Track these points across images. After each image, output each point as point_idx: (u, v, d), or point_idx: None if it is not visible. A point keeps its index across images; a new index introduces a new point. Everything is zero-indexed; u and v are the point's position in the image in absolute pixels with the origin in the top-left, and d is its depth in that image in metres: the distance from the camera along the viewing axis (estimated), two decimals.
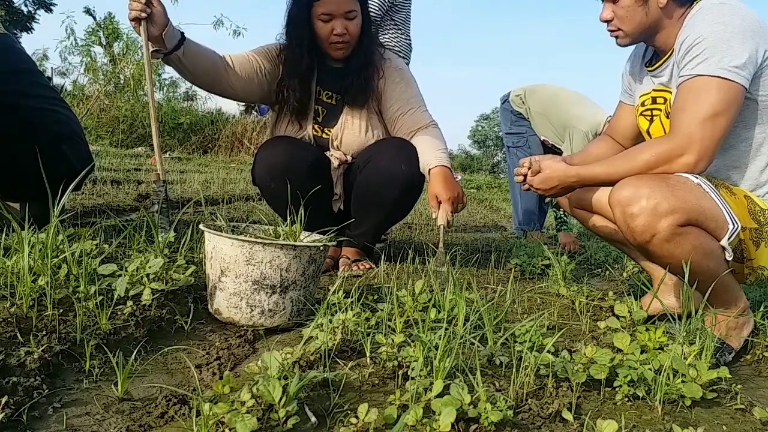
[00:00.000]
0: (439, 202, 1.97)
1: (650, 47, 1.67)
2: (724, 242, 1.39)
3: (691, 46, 1.42)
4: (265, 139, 2.31)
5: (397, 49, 3.41)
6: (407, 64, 3.74)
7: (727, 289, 1.45)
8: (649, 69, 1.66)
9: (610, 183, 1.48)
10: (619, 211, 1.40)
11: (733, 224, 1.39)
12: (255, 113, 12.93)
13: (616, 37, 1.60)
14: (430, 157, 2.07)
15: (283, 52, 2.20)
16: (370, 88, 2.20)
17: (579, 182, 1.61)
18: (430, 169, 2.05)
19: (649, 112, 1.68)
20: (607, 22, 1.59)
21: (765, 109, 1.47)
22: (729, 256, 1.41)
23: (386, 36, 3.08)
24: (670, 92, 1.59)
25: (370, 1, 3.36)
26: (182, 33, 1.95)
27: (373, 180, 2.14)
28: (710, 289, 1.37)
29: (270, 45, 2.25)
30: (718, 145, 1.41)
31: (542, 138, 3.60)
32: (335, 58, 2.19)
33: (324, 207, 2.23)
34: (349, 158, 2.25)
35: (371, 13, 3.38)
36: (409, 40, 3.24)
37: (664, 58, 1.59)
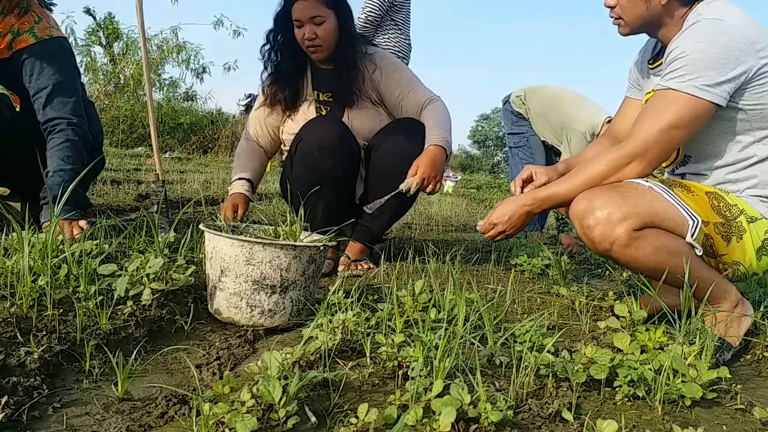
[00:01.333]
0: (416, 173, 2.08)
1: (659, 42, 1.67)
2: (689, 239, 1.42)
3: (675, 58, 1.45)
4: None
5: (396, 49, 3.42)
6: (407, 64, 3.75)
7: (710, 282, 1.46)
8: (651, 67, 1.67)
9: (571, 200, 1.51)
10: (578, 225, 1.47)
11: (692, 219, 1.42)
12: None
13: (618, 25, 1.61)
14: (431, 136, 2.18)
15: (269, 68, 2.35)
16: (356, 88, 2.28)
17: (538, 205, 1.60)
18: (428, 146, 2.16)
19: None
20: (611, 8, 1.60)
21: (753, 119, 1.49)
22: (699, 252, 1.44)
23: (386, 36, 3.09)
24: None
25: (370, 2, 3.38)
26: (248, 179, 2.34)
27: (385, 161, 2.20)
28: (694, 286, 1.39)
29: (259, 93, 2.42)
30: (667, 154, 1.49)
31: (542, 138, 3.60)
32: (316, 61, 2.30)
33: (348, 193, 2.31)
34: (364, 143, 2.31)
35: (371, 14, 3.40)
36: (409, 40, 3.25)
37: (663, 59, 1.60)
